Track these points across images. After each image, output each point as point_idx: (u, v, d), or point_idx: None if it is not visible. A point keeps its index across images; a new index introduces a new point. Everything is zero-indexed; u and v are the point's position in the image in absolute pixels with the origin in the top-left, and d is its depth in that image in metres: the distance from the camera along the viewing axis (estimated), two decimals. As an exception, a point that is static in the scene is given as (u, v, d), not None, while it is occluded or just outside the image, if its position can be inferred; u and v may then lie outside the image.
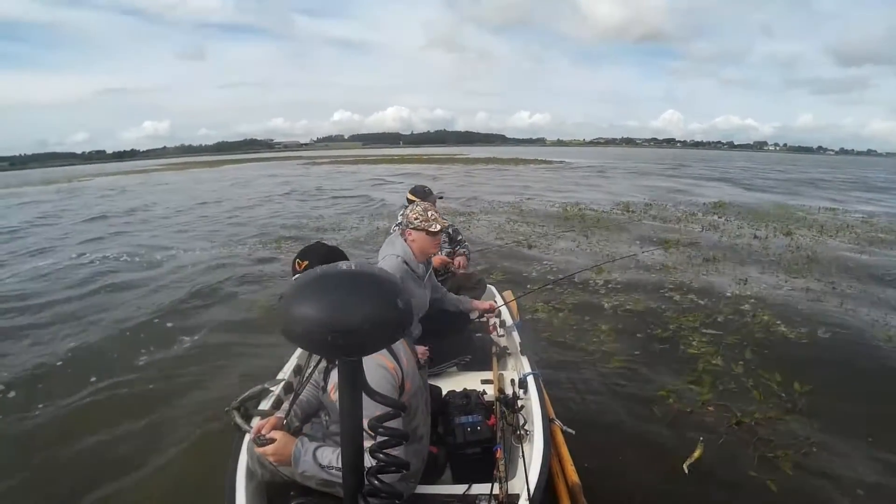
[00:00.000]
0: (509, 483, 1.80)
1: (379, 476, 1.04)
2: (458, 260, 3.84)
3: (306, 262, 1.74)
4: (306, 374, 1.88)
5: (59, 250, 9.54)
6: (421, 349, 2.69)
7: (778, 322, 4.66)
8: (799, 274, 6.65)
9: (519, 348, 2.91)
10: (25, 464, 2.83)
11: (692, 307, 5.19)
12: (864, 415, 3.23)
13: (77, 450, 2.94)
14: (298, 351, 2.76)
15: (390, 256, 2.59)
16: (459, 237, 4.08)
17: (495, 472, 1.82)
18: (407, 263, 2.60)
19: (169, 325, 5.05)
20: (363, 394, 0.93)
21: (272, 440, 1.63)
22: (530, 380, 2.48)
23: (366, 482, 1.05)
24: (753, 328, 4.55)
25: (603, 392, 3.56)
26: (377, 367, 1.60)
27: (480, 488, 1.82)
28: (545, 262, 7.32)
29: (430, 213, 2.63)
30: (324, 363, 1.82)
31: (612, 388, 3.60)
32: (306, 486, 1.72)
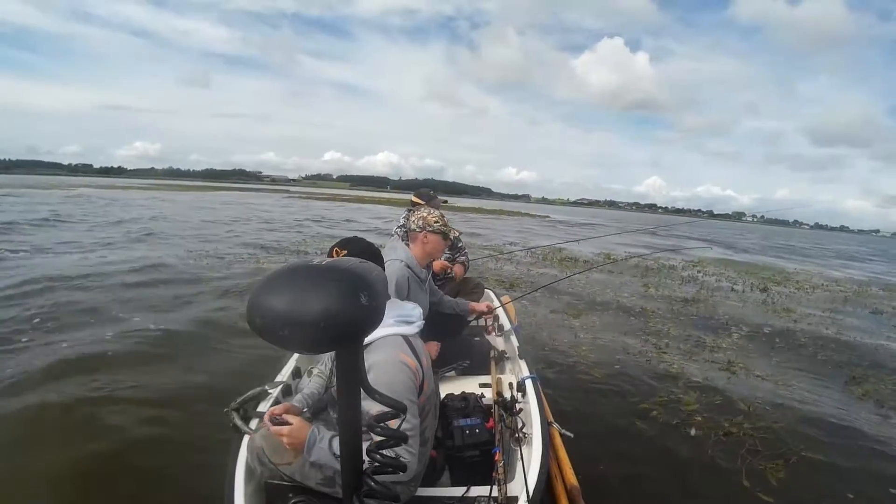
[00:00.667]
0: (508, 485, 1.78)
1: (375, 477, 1.01)
2: (457, 268, 3.82)
3: (345, 252, 1.74)
4: (330, 368, 1.84)
5: (99, 249, 9.51)
6: (433, 346, 2.66)
7: (754, 368, 4.67)
8: (776, 324, 6.70)
9: (517, 352, 2.91)
10: (24, 463, 2.66)
11: (670, 351, 5.11)
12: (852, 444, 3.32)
13: (74, 446, 2.80)
14: (297, 353, 2.71)
15: (394, 261, 2.55)
16: (460, 244, 4.04)
17: (494, 474, 1.79)
18: (410, 268, 2.59)
19: (197, 323, 4.99)
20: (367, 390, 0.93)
21: (288, 422, 1.57)
22: (528, 383, 2.46)
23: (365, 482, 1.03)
24: (733, 370, 4.55)
25: (593, 400, 3.66)
26: (400, 365, 1.59)
27: (479, 491, 1.79)
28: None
29: (445, 219, 2.68)
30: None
31: (598, 399, 3.69)
32: (305, 486, 1.67)
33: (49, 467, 2.63)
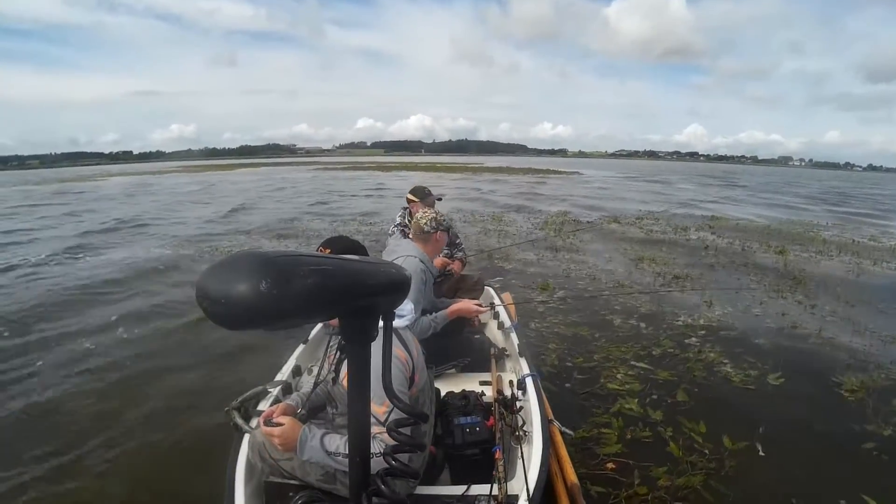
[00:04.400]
0: (508, 484, 1.79)
1: (387, 478, 1.04)
2: (456, 264, 3.80)
3: (328, 250, 1.82)
4: (320, 366, 1.88)
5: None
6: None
7: (725, 361, 4.00)
8: (777, 298, 5.96)
9: (517, 350, 2.89)
10: (25, 464, 2.77)
11: (630, 335, 4.55)
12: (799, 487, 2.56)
13: (76, 444, 2.92)
14: (297, 352, 2.80)
15: (410, 258, 2.52)
16: (458, 240, 4.05)
17: (494, 472, 1.80)
18: (425, 263, 2.60)
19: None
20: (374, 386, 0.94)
21: (280, 424, 1.64)
22: (529, 381, 2.46)
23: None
24: (694, 366, 3.89)
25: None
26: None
27: (479, 489, 1.80)
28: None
29: (441, 214, 2.72)
30: (337, 356, 1.85)
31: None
32: (306, 484, 1.72)
33: (45, 460, 2.76)
